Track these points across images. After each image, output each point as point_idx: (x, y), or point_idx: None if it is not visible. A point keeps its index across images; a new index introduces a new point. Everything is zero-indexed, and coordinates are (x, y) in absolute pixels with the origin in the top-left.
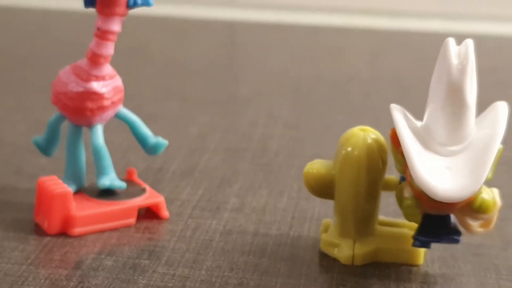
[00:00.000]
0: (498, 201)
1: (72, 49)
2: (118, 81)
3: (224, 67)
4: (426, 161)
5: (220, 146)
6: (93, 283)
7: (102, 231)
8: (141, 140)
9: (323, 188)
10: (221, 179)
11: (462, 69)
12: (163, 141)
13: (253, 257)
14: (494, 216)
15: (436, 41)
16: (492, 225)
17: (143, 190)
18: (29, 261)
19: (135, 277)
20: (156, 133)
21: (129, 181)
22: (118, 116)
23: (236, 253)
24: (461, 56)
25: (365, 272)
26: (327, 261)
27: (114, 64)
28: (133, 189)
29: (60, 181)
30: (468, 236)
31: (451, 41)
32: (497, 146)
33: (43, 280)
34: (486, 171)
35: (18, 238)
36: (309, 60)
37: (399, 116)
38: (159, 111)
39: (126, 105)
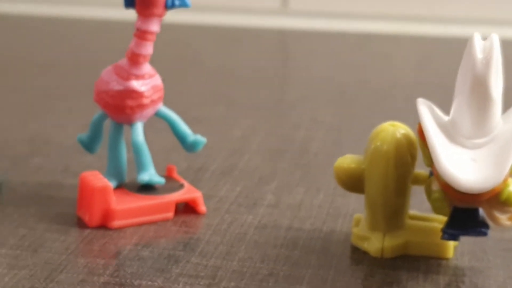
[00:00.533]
0: None
1: (117, 57)
2: (157, 80)
3: (272, 74)
4: (450, 153)
5: (261, 148)
6: (129, 272)
7: (140, 224)
8: (180, 137)
9: (353, 182)
10: (260, 177)
11: (487, 63)
12: (201, 139)
13: (285, 249)
14: None
15: None
16: None
17: (181, 186)
18: (69, 251)
19: (169, 267)
20: (200, 134)
21: (168, 177)
22: (158, 115)
23: (269, 246)
24: (486, 50)
25: (394, 265)
26: (357, 254)
27: (167, 70)
28: (172, 185)
29: (101, 176)
30: (499, 231)
31: (476, 36)
32: None
33: (81, 268)
34: (509, 163)
35: (60, 230)
36: (355, 67)
37: (425, 110)
38: (205, 114)
39: (174, 108)
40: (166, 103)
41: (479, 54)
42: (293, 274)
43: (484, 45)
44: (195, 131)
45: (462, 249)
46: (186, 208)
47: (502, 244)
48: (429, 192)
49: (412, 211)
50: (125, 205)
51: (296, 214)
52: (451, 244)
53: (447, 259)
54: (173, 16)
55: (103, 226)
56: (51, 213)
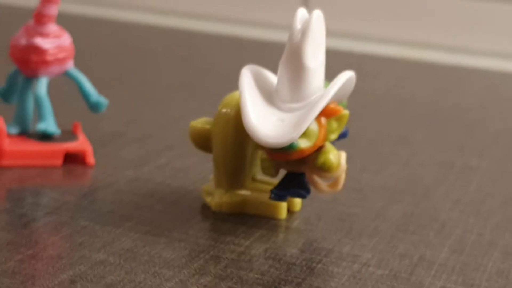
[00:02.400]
0: (343, 164)
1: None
2: (65, 41)
3: None
4: (260, 112)
5: None
6: None
7: (30, 167)
8: (85, 97)
9: (203, 142)
10: (167, 146)
11: (303, 34)
12: (104, 100)
13: (140, 197)
14: (341, 177)
15: None
16: (340, 186)
17: (75, 138)
18: None
19: (28, 198)
20: (149, 113)
21: (71, 132)
22: (67, 74)
23: (128, 193)
24: (305, 22)
25: (226, 218)
26: (202, 208)
27: (179, 72)
28: (68, 137)
29: (1, 121)
30: (351, 207)
31: (300, 10)
32: (321, 105)
33: None
34: (306, 125)
35: None
36: (368, 90)
37: (247, 73)
38: (171, 104)
39: (148, 87)
40: (150, 91)
41: (297, 25)
42: (130, 214)
43: (306, 18)
44: (146, 108)
45: (300, 214)
46: (83, 160)
47: (342, 216)
48: (260, 154)
49: (261, 177)
50: (16, 147)
51: (175, 174)
52: (284, 206)
53: (279, 219)
54: (199, 26)
55: None
56: None
